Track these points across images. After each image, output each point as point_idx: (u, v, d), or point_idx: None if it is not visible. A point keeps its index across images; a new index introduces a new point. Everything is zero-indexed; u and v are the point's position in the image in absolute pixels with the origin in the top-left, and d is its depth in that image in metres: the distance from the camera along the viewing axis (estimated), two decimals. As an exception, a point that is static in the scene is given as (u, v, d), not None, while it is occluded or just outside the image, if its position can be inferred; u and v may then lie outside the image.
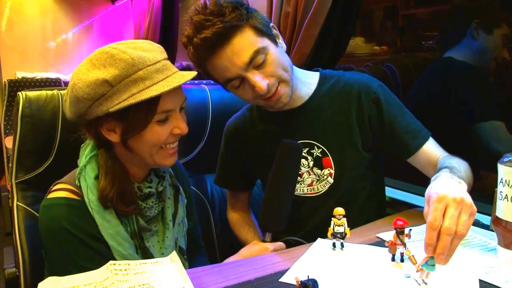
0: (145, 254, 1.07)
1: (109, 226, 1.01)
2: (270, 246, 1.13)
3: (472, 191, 1.19)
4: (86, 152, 1.07)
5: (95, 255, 1.00)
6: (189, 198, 1.29)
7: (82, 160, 1.06)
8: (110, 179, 1.02)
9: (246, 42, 1.12)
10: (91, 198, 1.01)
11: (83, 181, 1.03)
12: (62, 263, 1.00)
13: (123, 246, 1.02)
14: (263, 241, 1.15)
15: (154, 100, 0.96)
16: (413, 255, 0.92)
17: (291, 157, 1.15)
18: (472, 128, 1.69)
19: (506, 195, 0.96)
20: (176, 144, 1.07)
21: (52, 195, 1.04)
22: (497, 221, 0.99)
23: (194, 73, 1.01)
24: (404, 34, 2.89)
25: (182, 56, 4.19)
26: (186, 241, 1.22)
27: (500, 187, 0.98)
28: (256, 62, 1.13)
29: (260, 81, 1.14)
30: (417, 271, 0.87)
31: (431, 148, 1.25)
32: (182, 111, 1.07)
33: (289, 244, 1.22)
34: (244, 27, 1.12)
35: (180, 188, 1.21)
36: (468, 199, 0.87)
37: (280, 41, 1.24)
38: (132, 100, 0.93)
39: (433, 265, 0.85)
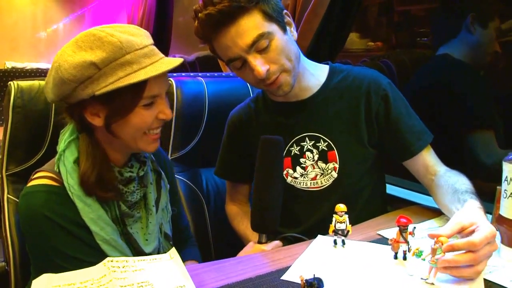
0: (128, 240, 1.05)
1: (90, 211, 0.99)
2: (267, 247, 1.10)
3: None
4: (65, 137, 1.05)
5: (78, 241, 0.99)
6: (172, 184, 1.29)
7: (60, 146, 1.04)
8: (91, 163, 1.01)
9: (252, 24, 1.11)
10: (70, 182, 0.99)
11: (62, 166, 1.01)
12: (44, 253, 0.98)
13: (105, 230, 1.00)
14: (259, 242, 1.12)
15: (141, 85, 0.95)
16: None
17: (273, 153, 1.13)
18: (462, 133, 1.69)
19: (511, 193, 0.95)
20: (160, 130, 1.06)
21: (30, 184, 1.02)
22: (500, 219, 0.98)
23: (180, 60, 1.00)
24: (399, 30, 2.89)
25: (175, 48, 4.15)
26: (171, 227, 1.21)
27: (504, 185, 0.97)
28: (260, 46, 1.12)
29: (259, 65, 1.13)
30: (432, 262, 0.85)
31: (431, 154, 1.26)
32: (166, 96, 1.07)
33: (288, 241, 1.20)
34: (252, 10, 1.12)
35: (162, 173, 1.20)
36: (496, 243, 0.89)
37: (292, 29, 1.23)
38: (119, 84, 0.92)
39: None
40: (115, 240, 1.01)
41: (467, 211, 0.95)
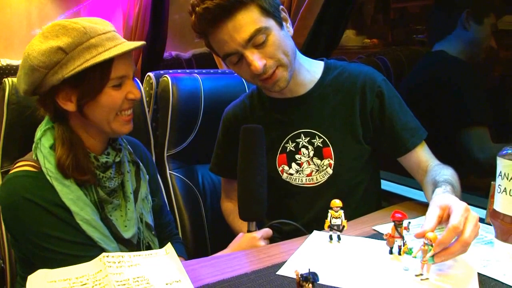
0: (107, 224, 1.08)
1: (69, 191, 1.03)
2: (257, 234, 1.12)
3: (466, 185, 1.19)
4: (41, 127, 1.09)
5: (59, 221, 1.02)
6: (154, 178, 1.34)
7: (37, 135, 1.08)
8: (66, 148, 1.05)
9: (249, 19, 1.11)
10: (48, 166, 1.03)
11: (39, 152, 1.05)
12: (26, 236, 1.01)
13: (85, 211, 1.03)
14: (248, 231, 1.14)
15: (107, 64, 1.01)
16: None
17: (254, 141, 1.14)
18: (456, 129, 1.69)
19: (505, 188, 0.95)
20: (131, 111, 1.11)
21: (10, 173, 1.06)
22: (494, 214, 0.99)
23: (142, 42, 1.06)
24: (395, 28, 2.89)
25: (171, 46, 4.13)
26: (153, 217, 1.24)
27: (498, 180, 0.98)
28: (256, 41, 1.13)
29: (256, 60, 1.13)
30: (423, 262, 0.85)
31: (425, 151, 1.27)
32: (134, 79, 1.13)
33: (277, 231, 1.20)
34: (250, 4, 1.12)
35: (141, 164, 1.23)
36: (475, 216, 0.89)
37: (288, 25, 1.23)
38: (86, 64, 0.98)
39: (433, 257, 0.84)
40: (95, 220, 1.04)
41: (436, 200, 0.94)
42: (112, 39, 1.03)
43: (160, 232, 1.28)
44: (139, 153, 1.29)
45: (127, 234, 1.11)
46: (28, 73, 1.00)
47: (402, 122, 1.26)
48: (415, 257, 0.89)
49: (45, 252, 0.99)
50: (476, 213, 0.89)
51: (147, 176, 1.24)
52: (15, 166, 1.07)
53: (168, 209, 1.46)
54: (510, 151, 0.97)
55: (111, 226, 1.09)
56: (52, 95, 1.03)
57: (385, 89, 1.27)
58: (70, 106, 1.04)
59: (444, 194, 0.99)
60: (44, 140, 1.06)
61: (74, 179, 1.04)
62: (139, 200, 1.18)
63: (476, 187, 1.26)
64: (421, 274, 0.86)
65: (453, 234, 0.83)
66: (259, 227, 1.16)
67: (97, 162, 1.09)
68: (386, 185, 1.70)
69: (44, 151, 1.05)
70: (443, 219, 0.89)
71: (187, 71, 1.75)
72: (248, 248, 1.09)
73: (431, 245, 0.83)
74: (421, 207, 1.23)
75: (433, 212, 0.89)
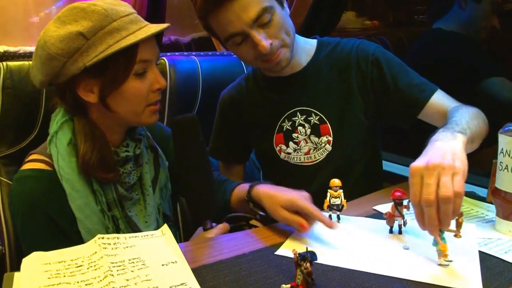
0: (128, 223, 1.04)
1: (77, 196, 0.96)
2: (210, 234, 1.00)
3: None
4: (57, 118, 1.02)
5: (61, 235, 0.97)
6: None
7: (53, 127, 1.01)
8: (90, 144, 0.98)
9: None
10: (61, 164, 0.96)
11: (54, 148, 0.98)
12: (25, 239, 0.98)
13: (90, 219, 0.98)
14: (204, 229, 1.02)
15: (132, 49, 0.93)
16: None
17: (187, 133, 0.97)
18: (475, 90, 1.65)
19: (507, 165, 0.94)
20: (159, 98, 1.04)
21: (23, 167, 1.00)
22: (496, 192, 0.97)
23: (167, 24, 0.99)
24: (396, 9, 2.85)
25: (170, 30, 4.09)
26: (171, 207, 1.19)
27: (500, 158, 0.96)
28: (262, 20, 1.11)
29: (263, 40, 1.11)
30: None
31: (441, 99, 1.19)
32: (157, 66, 1.05)
33: (236, 220, 1.13)
34: None
35: (159, 150, 1.16)
36: (447, 161, 0.80)
37: (285, 5, 1.21)
38: (110, 50, 0.90)
39: (443, 238, 0.81)
40: (97, 231, 0.97)
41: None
42: (136, 22, 0.95)
43: None
44: (157, 134, 1.21)
45: (148, 230, 1.03)
46: (46, 62, 0.92)
47: (406, 81, 1.21)
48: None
49: None
50: (441, 161, 0.80)
51: (167, 163, 1.17)
52: (28, 159, 1.01)
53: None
54: (511, 128, 0.95)
55: (132, 226, 1.04)
56: (71, 85, 0.95)
57: (380, 56, 1.25)
58: (92, 98, 0.97)
59: (426, 151, 0.89)
60: (61, 135, 0.99)
61: (96, 177, 0.99)
62: (157, 190, 1.12)
63: (480, 167, 1.23)
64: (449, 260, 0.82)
65: (416, 208, 0.80)
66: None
67: (117, 157, 1.03)
68: (387, 165, 1.68)
69: (60, 147, 0.98)
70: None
71: (185, 53, 1.72)
72: None
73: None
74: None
75: (411, 184, 0.83)
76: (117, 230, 1.03)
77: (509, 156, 0.94)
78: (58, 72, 0.93)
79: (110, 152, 1.02)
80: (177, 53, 1.70)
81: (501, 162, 0.96)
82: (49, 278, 0.71)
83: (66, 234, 0.97)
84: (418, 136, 1.26)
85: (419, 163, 0.82)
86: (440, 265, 0.82)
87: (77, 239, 0.95)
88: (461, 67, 1.71)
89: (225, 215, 1.13)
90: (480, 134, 1.05)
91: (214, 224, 1.03)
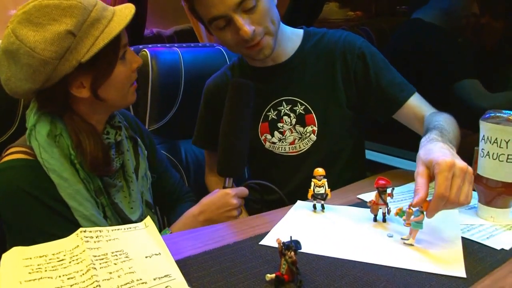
0: (115, 209, 1.04)
1: (67, 185, 0.95)
2: (231, 191, 1.09)
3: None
4: (33, 112, 0.99)
5: (57, 217, 0.95)
6: (152, 148, 1.27)
7: (30, 120, 0.98)
8: (91, 141, 0.98)
9: None
10: (44, 157, 0.94)
11: (34, 141, 0.95)
12: (22, 229, 0.95)
13: (84, 206, 0.96)
14: (224, 187, 1.12)
15: (117, 37, 0.93)
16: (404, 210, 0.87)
17: (241, 95, 1.12)
18: (448, 89, 1.67)
19: (488, 152, 0.95)
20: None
21: (4, 160, 0.97)
22: (478, 178, 0.98)
23: (132, 5, 0.98)
24: (378, 0, 2.86)
25: (152, 23, 4.05)
26: (157, 192, 1.21)
27: (481, 144, 0.97)
28: (247, 5, 1.09)
29: (246, 25, 1.10)
30: (406, 225, 0.85)
31: (418, 102, 1.23)
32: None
33: (252, 189, 1.20)
34: None
35: (138, 139, 1.17)
36: (470, 168, 0.84)
37: None
38: (101, 42, 0.90)
39: (421, 223, 0.83)
40: (94, 216, 0.98)
41: (421, 155, 0.90)
42: (106, 8, 0.94)
43: (169, 197, 1.26)
44: (134, 125, 1.23)
45: (134, 216, 1.06)
46: (39, 69, 0.88)
47: (388, 79, 1.24)
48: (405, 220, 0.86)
49: None
50: (465, 163, 0.83)
51: (146, 152, 1.19)
52: (8, 153, 0.98)
53: (173, 170, 1.40)
54: (493, 114, 0.96)
55: (119, 212, 1.04)
56: (62, 85, 0.93)
57: (366, 50, 1.25)
58: (83, 92, 0.96)
59: (428, 143, 0.94)
60: (39, 127, 0.96)
61: (101, 172, 0.99)
62: (139, 178, 1.13)
63: (462, 153, 1.24)
64: (407, 239, 0.86)
65: (440, 202, 0.81)
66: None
67: None
68: (370, 154, 1.70)
69: (40, 139, 0.95)
70: (431, 177, 0.85)
71: (167, 45, 1.70)
72: (220, 204, 1.08)
73: (423, 212, 0.82)
74: (406, 175, 1.23)
75: (421, 174, 0.85)
76: (105, 218, 1.02)
77: (490, 142, 0.94)
78: (49, 76, 0.90)
79: (105, 144, 1.02)
80: (159, 45, 1.68)
81: (482, 149, 0.97)
82: (30, 273, 0.69)
83: (65, 218, 0.96)
84: (398, 125, 1.28)
85: (447, 158, 0.82)
86: (404, 242, 0.85)
87: (77, 223, 0.96)
88: (436, 63, 1.72)
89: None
90: (457, 147, 1.07)
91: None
